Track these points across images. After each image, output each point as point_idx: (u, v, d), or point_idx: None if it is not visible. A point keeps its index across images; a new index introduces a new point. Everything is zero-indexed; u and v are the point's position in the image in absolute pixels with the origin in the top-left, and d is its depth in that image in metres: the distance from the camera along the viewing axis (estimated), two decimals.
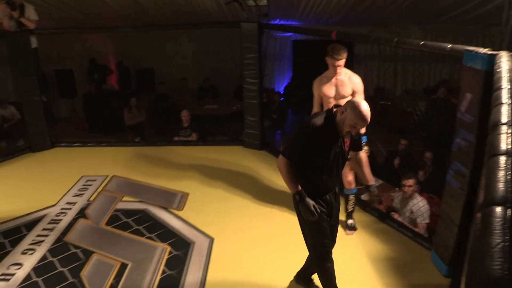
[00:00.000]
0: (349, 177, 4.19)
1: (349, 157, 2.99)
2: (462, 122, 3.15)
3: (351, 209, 4.30)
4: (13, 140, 8.82)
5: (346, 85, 3.88)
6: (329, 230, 2.97)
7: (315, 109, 4.05)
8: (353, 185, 4.24)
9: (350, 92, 3.87)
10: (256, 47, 6.09)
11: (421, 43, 3.66)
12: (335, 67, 3.79)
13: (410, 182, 4.47)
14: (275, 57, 9.74)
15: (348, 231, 4.22)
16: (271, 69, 9.63)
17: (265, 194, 5.13)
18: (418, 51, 6.68)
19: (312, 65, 3.85)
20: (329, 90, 3.90)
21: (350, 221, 4.29)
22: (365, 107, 2.53)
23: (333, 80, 3.89)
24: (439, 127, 5.70)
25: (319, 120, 2.66)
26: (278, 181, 5.42)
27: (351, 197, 4.28)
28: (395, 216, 4.49)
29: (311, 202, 2.74)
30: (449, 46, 3.31)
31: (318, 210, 2.77)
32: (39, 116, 6.68)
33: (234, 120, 8.32)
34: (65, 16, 8.19)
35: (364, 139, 3.84)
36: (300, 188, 2.76)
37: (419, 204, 4.44)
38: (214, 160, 6.21)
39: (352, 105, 2.56)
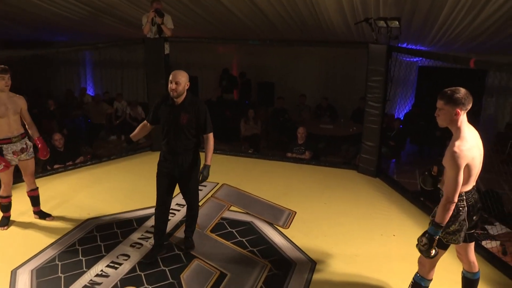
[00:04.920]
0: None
1: None
2: None
3: None
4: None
5: None
6: None
7: None
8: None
9: None
10: (382, 70, 5.80)
11: None
12: None
13: None
14: (399, 82, 9.30)
15: None
16: (393, 94, 9.19)
17: (376, 224, 4.78)
18: None
19: (437, 93, 3.46)
20: None
21: None
22: None
23: None
24: None
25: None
26: (391, 211, 5.10)
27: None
28: None
29: None
30: None
31: None
32: None
33: (349, 142, 8.05)
34: (197, 27, 8.62)
35: None
36: None
37: None
38: (325, 182, 5.97)
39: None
